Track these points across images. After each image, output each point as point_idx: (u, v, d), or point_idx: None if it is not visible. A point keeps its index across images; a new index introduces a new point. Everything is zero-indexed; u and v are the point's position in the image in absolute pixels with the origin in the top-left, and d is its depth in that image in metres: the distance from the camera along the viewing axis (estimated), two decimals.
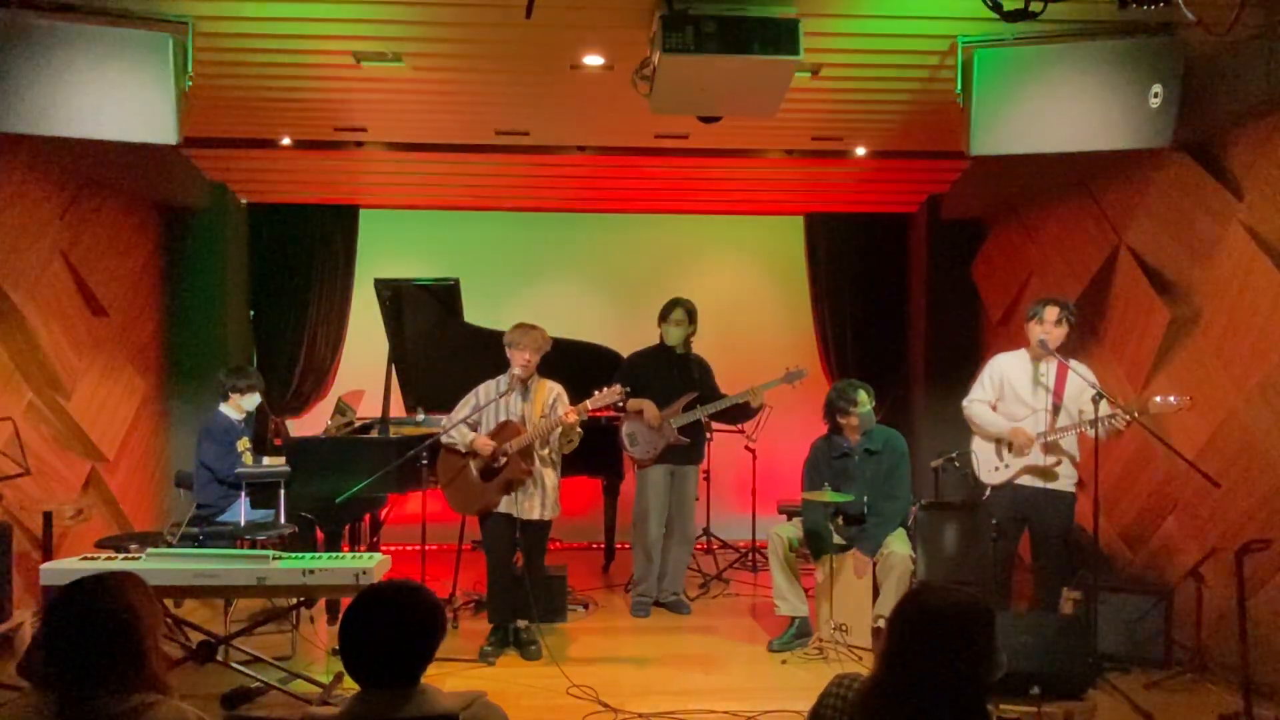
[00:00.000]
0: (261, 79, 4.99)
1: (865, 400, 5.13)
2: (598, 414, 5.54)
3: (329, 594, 4.64)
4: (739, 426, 6.74)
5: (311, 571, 4.02)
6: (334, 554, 4.74)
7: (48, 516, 5.12)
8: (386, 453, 5.27)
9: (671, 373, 5.79)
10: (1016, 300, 6.72)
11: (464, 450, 5.01)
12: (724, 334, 7.32)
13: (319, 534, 5.50)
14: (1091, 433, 4.53)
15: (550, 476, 5.01)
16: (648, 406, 5.67)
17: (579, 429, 4.95)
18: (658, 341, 5.88)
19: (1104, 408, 4.46)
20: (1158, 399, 4.42)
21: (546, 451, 4.98)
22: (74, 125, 4.09)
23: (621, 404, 5.07)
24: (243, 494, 5.35)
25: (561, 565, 5.87)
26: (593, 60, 4.70)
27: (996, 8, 3.45)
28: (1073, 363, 4.72)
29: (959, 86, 4.43)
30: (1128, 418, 4.47)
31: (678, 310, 5.77)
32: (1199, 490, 4.74)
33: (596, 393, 4.85)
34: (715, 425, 6.60)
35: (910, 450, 5.42)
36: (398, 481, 5.29)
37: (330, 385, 7.69)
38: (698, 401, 5.73)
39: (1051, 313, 4.72)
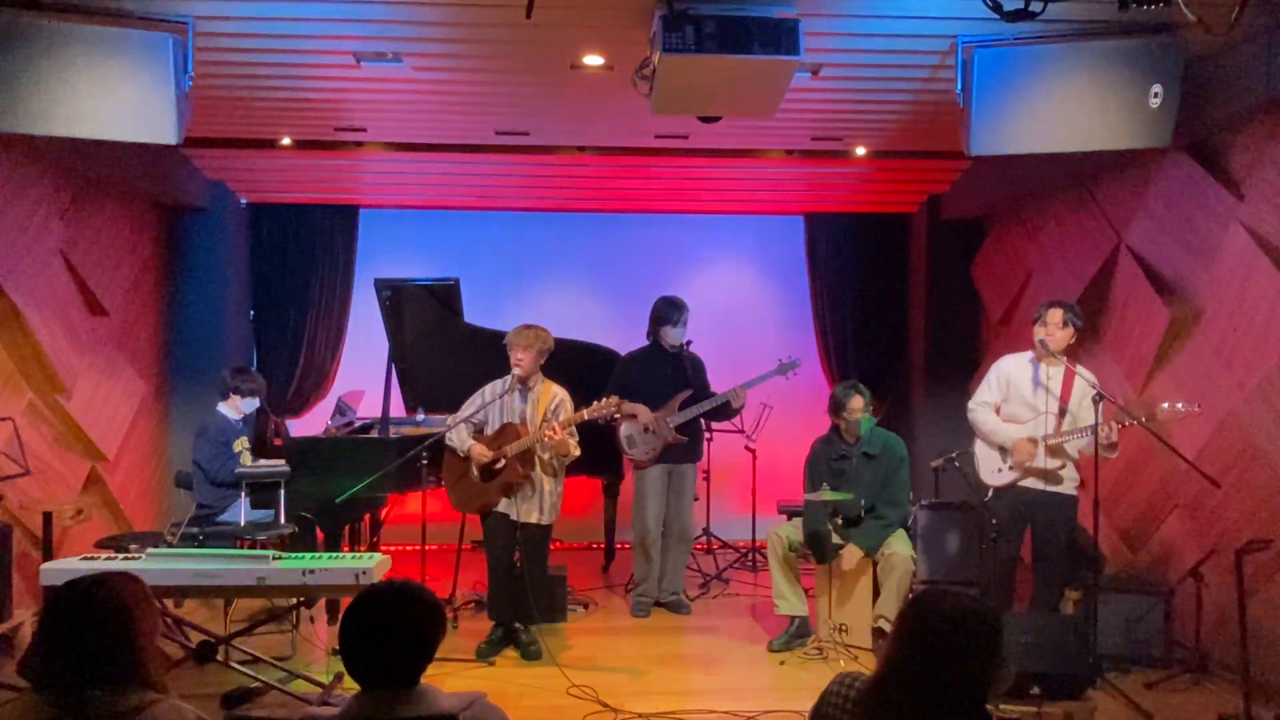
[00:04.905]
0: (261, 79, 4.99)
1: (858, 408, 5.11)
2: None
3: (329, 594, 4.64)
4: (739, 427, 6.74)
5: (311, 571, 4.02)
6: (334, 554, 4.74)
7: (48, 516, 5.11)
8: (386, 453, 5.27)
9: (666, 372, 5.79)
10: (1016, 300, 6.72)
11: (461, 454, 5.02)
12: (724, 334, 7.33)
13: (319, 534, 5.50)
14: (1093, 446, 4.49)
15: (550, 482, 5.00)
16: (641, 411, 5.67)
17: (575, 450, 4.92)
18: (650, 341, 5.87)
19: (1105, 413, 4.46)
20: (1165, 405, 4.40)
21: (548, 456, 4.98)
22: (74, 125, 4.09)
23: (616, 411, 5.07)
24: (243, 494, 5.35)
25: (561, 565, 5.87)
26: (593, 60, 4.70)
27: (996, 8, 3.44)
28: (1079, 368, 4.69)
29: (959, 86, 4.43)
30: (1131, 422, 4.45)
31: (684, 313, 5.75)
32: (1199, 490, 4.74)
33: (594, 404, 4.85)
34: (714, 424, 6.59)
35: (910, 450, 5.42)
36: (398, 481, 5.29)
37: (330, 385, 7.69)
38: (692, 400, 5.73)
39: (1055, 315, 4.68)
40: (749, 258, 8.23)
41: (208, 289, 7.00)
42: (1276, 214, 4.39)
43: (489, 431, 5.04)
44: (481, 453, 4.92)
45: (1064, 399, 4.70)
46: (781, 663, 4.97)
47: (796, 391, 6.16)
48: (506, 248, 7.89)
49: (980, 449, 4.92)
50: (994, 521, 4.68)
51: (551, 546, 5.43)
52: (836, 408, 5.17)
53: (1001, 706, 3.88)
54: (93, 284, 5.92)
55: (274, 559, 4.10)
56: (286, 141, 6.09)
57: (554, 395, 5.01)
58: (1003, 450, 4.81)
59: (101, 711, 1.90)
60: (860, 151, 6.35)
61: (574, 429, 4.92)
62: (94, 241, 5.97)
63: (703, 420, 5.97)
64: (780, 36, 3.95)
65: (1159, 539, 5.22)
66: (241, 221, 7.45)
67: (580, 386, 5.14)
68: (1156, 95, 4.25)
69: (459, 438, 5.03)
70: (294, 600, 4.61)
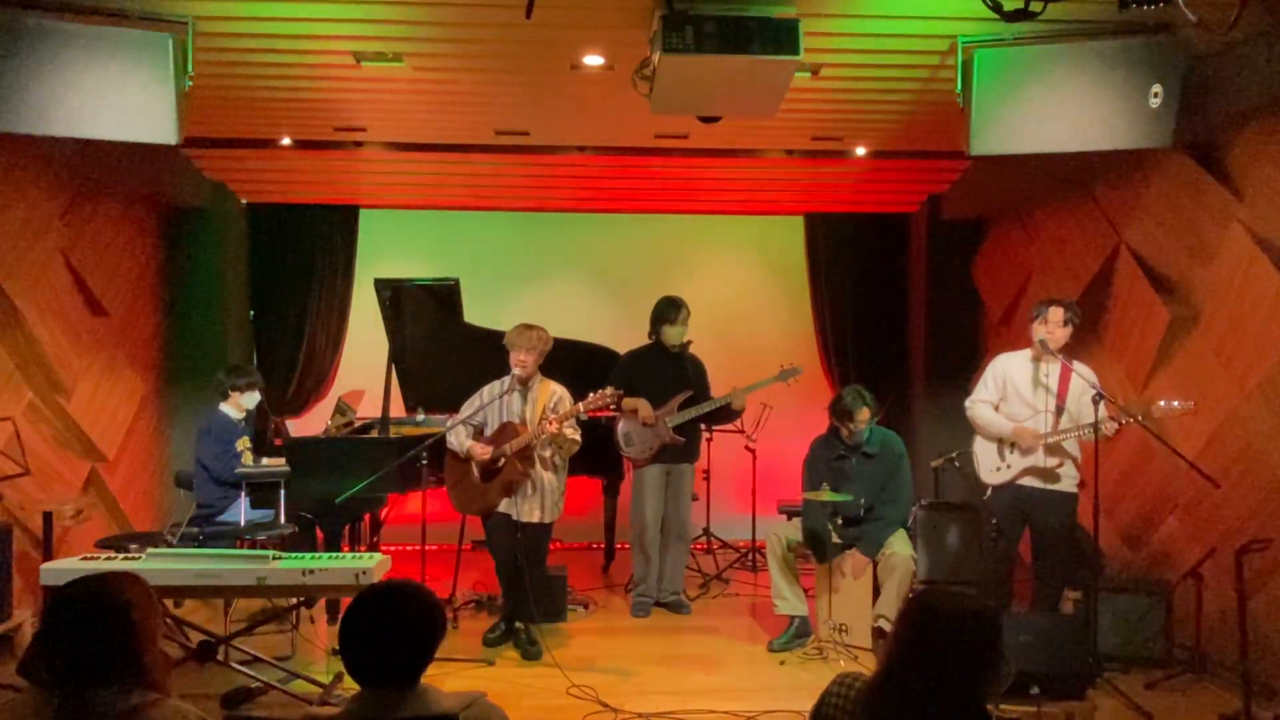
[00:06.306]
0: (261, 79, 4.99)
1: (864, 419, 5.10)
2: (596, 414, 5.55)
3: (329, 594, 4.64)
4: (739, 427, 6.74)
5: (311, 571, 4.02)
6: (334, 554, 4.74)
7: (48, 516, 5.11)
8: (386, 453, 5.27)
9: (667, 372, 5.79)
10: (1016, 300, 6.72)
11: (461, 455, 5.02)
12: (724, 334, 7.33)
13: (319, 534, 5.50)
14: (1092, 437, 4.51)
15: (550, 479, 5.01)
16: (642, 405, 5.67)
17: (575, 436, 4.94)
18: (651, 340, 5.87)
19: (1105, 410, 4.46)
20: (1161, 403, 4.41)
21: (549, 454, 4.98)
22: (74, 125, 4.09)
23: (616, 405, 5.07)
24: (243, 494, 5.35)
25: (561, 565, 5.87)
26: (593, 60, 4.70)
27: (996, 8, 3.44)
28: (1075, 364, 4.71)
29: (959, 86, 4.43)
30: (1129, 420, 4.46)
31: (683, 311, 5.76)
32: (1199, 490, 4.74)
33: (591, 395, 4.86)
34: (713, 425, 6.59)
35: (910, 450, 5.41)
36: (398, 481, 5.29)
37: (330, 385, 7.69)
38: (691, 401, 5.73)
39: (1056, 314, 4.70)
40: (749, 258, 8.23)
41: (208, 289, 7.00)
42: (1276, 214, 4.39)
43: (488, 432, 5.04)
44: (480, 451, 4.92)
45: (1061, 397, 4.71)
46: (781, 663, 4.97)
47: (796, 392, 6.16)
48: (506, 248, 7.89)
49: (980, 447, 4.92)
50: (994, 521, 4.68)
51: (551, 546, 5.43)
52: (844, 415, 5.13)
53: (1001, 706, 3.88)
54: (93, 284, 5.91)
55: (274, 559, 4.10)
56: (286, 141, 6.09)
57: (552, 392, 5.02)
58: (1002, 443, 4.81)
59: (102, 711, 1.90)
60: (860, 151, 6.35)
61: (574, 423, 4.93)
62: (94, 241, 5.97)
63: (701, 422, 5.97)
64: (780, 36, 3.94)
65: (1159, 539, 5.22)
66: (241, 221, 7.45)
67: (580, 386, 5.14)
68: (1156, 95, 4.25)
69: (458, 439, 5.04)
70: (294, 600, 4.62)
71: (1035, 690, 3.91)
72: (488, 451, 4.92)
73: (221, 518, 5.43)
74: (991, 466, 4.85)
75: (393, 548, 6.56)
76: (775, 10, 3.95)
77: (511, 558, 5.03)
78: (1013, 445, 4.78)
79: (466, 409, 5.10)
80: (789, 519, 5.83)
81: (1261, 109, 4.37)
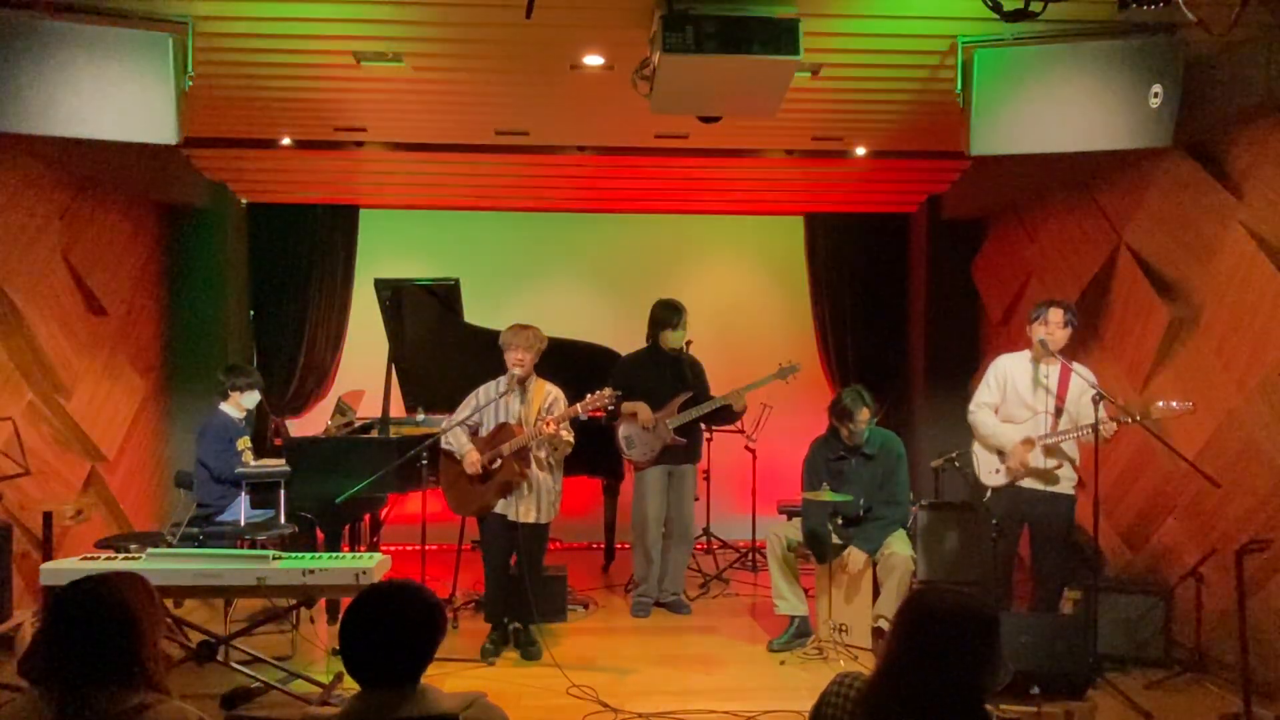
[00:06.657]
0: (261, 79, 4.99)
1: (864, 420, 5.10)
2: (596, 415, 5.54)
3: (329, 594, 4.64)
4: (739, 427, 6.74)
5: (311, 571, 4.03)
6: (334, 554, 4.74)
7: (48, 516, 5.12)
8: (386, 453, 5.27)
9: (665, 374, 5.79)
10: (1016, 300, 6.72)
11: (458, 457, 5.02)
12: (724, 334, 7.34)
13: (319, 534, 5.50)
14: (1091, 438, 4.51)
15: (547, 480, 5.00)
16: (641, 409, 5.67)
17: (569, 438, 4.93)
18: (649, 344, 5.87)
19: (1105, 411, 4.46)
20: (1160, 403, 4.41)
21: (544, 454, 4.98)
22: (74, 125, 4.09)
23: (614, 407, 5.07)
24: (243, 494, 5.35)
25: (561, 565, 5.87)
26: (593, 60, 4.70)
27: (996, 8, 3.44)
28: (1075, 365, 4.71)
29: (959, 86, 4.43)
30: (1128, 421, 4.47)
31: (682, 316, 5.75)
32: (1199, 490, 4.74)
33: (589, 395, 4.85)
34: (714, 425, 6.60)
35: (910, 450, 5.41)
36: (398, 481, 5.29)
37: (330, 385, 7.69)
38: (691, 401, 5.73)
39: (1056, 315, 4.70)
40: (749, 258, 8.23)
41: (208, 289, 7.00)
42: (1276, 214, 4.39)
43: (484, 433, 5.04)
44: (474, 462, 4.90)
45: (1060, 398, 4.71)
46: (781, 663, 4.97)
47: (796, 392, 6.17)
48: (506, 248, 7.89)
49: (979, 448, 4.93)
50: (994, 521, 4.68)
51: (551, 546, 5.43)
52: (843, 416, 5.12)
53: (1001, 706, 3.88)
54: (93, 284, 5.92)
55: (274, 559, 4.11)
56: (286, 141, 6.09)
57: (548, 393, 5.02)
58: (999, 453, 4.82)
59: (103, 711, 1.90)
60: (860, 151, 6.35)
61: (569, 424, 4.93)
62: (94, 241, 5.97)
63: (702, 422, 5.96)
64: (780, 36, 3.94)
65: (1159, 539, 5.22)
66: (241, 221, 7.45)
67: (579, 386, 5.14)
68: (1156, 95, 4.25)
69: (456, 441, 5.03)
70: (294, 600, 4.62)
71: (1035, 690, 3.91)
72: (477, 464, 4.89)
73: (221, 518, 5.44)
74: (991, 468, 4.85)
75: (393, 548, 6.56)
76: (775, 10, 3.95)
77: (504, 559, 5.03)
78: (1003, 460, 4.79)
79: (463, 410, 5.09)
80: (789, 519, 5.82)
81: (1261, 109, 4.37)
